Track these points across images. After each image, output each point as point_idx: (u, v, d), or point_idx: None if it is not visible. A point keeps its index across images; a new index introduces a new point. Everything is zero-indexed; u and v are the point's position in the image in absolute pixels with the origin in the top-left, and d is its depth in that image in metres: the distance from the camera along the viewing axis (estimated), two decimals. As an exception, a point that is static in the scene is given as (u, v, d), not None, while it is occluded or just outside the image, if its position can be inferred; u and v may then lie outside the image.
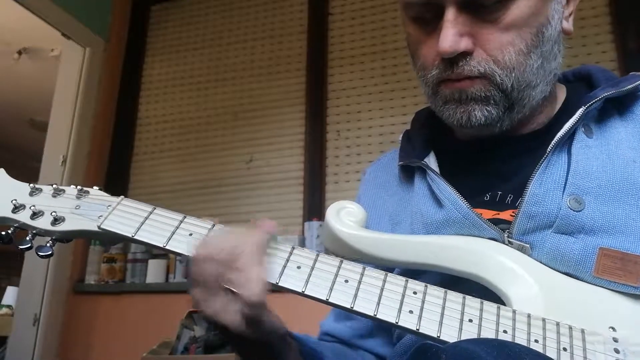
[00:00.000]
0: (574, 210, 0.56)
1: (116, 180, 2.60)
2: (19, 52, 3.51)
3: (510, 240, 0.59)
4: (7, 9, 2.65)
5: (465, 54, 0.59)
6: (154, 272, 2.27)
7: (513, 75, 0.60)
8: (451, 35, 0.57)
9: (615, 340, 0.50)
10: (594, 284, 0.55)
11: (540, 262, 0.57)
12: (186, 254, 0.57)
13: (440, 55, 0.59)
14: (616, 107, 0.65)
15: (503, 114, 0.62)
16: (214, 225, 0.59)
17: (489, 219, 0.60)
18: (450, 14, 0.58)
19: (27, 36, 3.31)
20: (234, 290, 0.52)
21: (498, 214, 0.62)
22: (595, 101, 0.61)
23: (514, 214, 0.60)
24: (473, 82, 0.60)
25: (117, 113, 2.73)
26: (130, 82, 2.76)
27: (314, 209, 2.25)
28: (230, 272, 0.53)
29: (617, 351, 0.49)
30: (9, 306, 3.53)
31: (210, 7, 2.76)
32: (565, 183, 0.58)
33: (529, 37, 0.60)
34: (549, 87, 0.65)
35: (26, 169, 2.90)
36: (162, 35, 2.82)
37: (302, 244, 2.12)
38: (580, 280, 0.56)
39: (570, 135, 0.61)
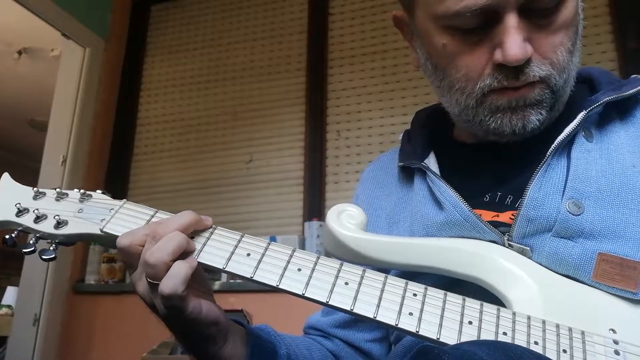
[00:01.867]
0: (573, 214, 0.56)
1: (116, 180, 2.60)
2: (19, 52, 3.51)
3: (510, 243, 0.59)
4: (7, 9, 2.65)
5: (528, 60, 0.57)
6: (154, 272, 2.27)
7: (564, 75, 0.60)
8: (520, 41, 0.55)
9: (616, 342, 0.50)
10: (593, 287, 0.55)
11: (541, 265, 0.57)
12: None
13: (508, 64, 0.56)
14: (617, 110, 0.65)
15: (548, 115, 0.61)
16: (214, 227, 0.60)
17: (488, 221, 0.60)
18: (512, 19, 0.56)
19: (27, 36, 3.31)
20: (150, 281, 0.54)
21: (497, 215, 0.62)
22: (596, 105, 0.61)
23: (513, 216, 0.59)
24: (533, 87, 0.59)
25: (117, 113, 2.73)
26: (130, 82, 2.76)
27: (314, 209, 2.24)
28: (145, 265, 0.54)
29: (617, 353, 0.49)
30: (9, 306, 3.53)
31: (210, 7, 2.76)
32: (565, 187, 0.58)
33: (573, 36, 0.60)
34: (574, 82, 0.65)
35: (26, 169, 2.91)
36: (162, 35, 2.82)
37: (302, 244, 2.12)
38: (580, 282, 0.55)
39: (570, 139, 0.61)
